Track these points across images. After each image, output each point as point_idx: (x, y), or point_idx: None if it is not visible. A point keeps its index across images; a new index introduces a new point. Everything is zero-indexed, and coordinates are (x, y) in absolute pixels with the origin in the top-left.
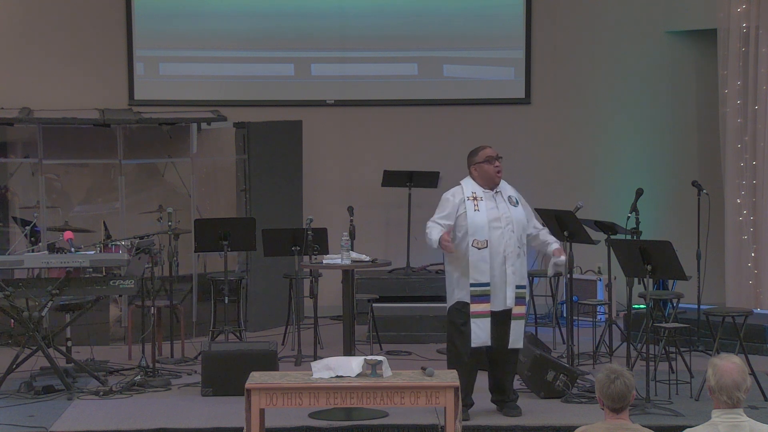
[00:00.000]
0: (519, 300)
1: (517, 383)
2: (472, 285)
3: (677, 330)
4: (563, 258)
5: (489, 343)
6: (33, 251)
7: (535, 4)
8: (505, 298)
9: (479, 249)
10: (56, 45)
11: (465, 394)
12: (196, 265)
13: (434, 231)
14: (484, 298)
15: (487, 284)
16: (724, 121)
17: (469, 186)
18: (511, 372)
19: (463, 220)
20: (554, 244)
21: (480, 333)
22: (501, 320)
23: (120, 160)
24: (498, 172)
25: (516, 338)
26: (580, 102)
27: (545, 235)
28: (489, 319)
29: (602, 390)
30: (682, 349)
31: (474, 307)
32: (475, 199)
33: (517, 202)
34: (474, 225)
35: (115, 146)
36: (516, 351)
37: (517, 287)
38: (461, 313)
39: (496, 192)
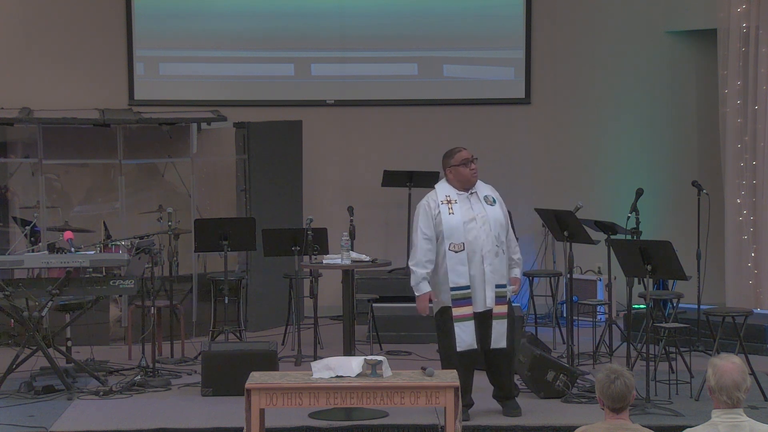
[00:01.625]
0: (499, 299)
1: (517, 383)
2: (452, 289)
3: (677, 330)
4: (514, 289)
5: (475, 346)
6: (33, 251)
7: (535, 4)
8: (485, 299)
9: (456, 252)
10: (56, 45)
11: (463, 394)
12: (196, 265)
13: (420, 272)
14: (465, 301)
15: (467, 287)
16: (724, 121)
17: (443, 189)
18: (506, 371)
19: (438, 225)
20: (515, 270)
21: (465, 337)
22: (486, 321)
23: (120, 160)
24: (473, 174)
25: (497, 338)
26: (580, 102)
27: (514, 253)
28: (472, 322)
29: (602, 390)
30: (682, 349)
31: (456, 311)
32: (449, 202)
33: (495, 201)
34: (449, 228)
35: (115, 146)
36: (503, 350)
37: (497, 286)
38: (445, 317)
39: (471, 193)
